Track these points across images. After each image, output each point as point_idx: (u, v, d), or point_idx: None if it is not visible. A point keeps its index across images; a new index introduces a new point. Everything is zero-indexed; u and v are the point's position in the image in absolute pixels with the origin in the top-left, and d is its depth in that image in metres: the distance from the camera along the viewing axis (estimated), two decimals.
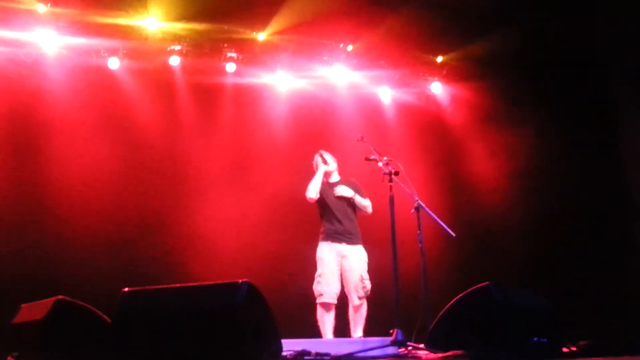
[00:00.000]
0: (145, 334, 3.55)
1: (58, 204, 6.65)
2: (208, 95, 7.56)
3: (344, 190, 5.56)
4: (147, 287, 3.80)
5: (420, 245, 5.12)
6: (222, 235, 7.09)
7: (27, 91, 6.72)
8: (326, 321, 5.29)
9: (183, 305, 3.58)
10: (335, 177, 5.74)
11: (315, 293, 5.33)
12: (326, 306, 5.32)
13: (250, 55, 7.53)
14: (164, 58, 7.26)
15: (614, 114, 7.63)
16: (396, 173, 4.94)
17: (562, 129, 7.57)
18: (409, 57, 8.03)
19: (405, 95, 8.36)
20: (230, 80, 7.60)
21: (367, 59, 7.90)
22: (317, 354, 3.98)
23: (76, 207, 6.69)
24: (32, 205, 6.62)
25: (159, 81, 7.34)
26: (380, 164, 5.07)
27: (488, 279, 3.98)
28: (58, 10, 6.62)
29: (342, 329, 5.46)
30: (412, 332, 4.94)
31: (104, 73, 7.07)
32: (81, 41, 6.84)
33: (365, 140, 5.33)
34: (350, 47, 7.78)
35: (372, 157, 5.17)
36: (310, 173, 5.73)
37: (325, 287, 5.31)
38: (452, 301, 4.02)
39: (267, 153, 7.59)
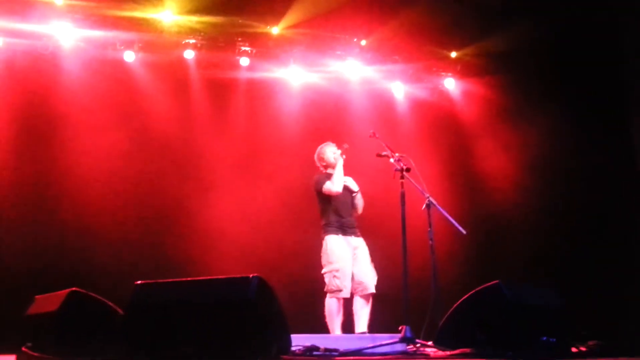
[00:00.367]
0: (157, 326, 3.60)
1: (74, 196, 6.73)
2: (221, 89, 7.60)
3: (353, 184, 5.55)
4: (160, 280, 3.85)
5: (430, 242, 5.11)
6: (235, 228, 7.14)
7: (44, 83, 6.81)
8: (337, 316, 5.26)
9: (194, 298, 3.63)
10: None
11: (333, 288, 5.18)
12: (341, 301, 5.28)
13: (264, 49, 7.54)
14: (178, 51, 7.30)
15: (625, 112, 7.57)
16: (408, 169, 4.92)
17: (574, 125, 7.52)
18: (423, 52, 7.99)
19: (418, 90, 8.33)
20: (243, 74, 7.62)
21: (381, 53, 7.88)
22: (326, 349, 4.01)
23: (92, 199, 6.77)
24: (48, 197, 6.70)
25: (174, 74, 7.39)
26: (392, 160, 5.05)
27: (498, 276, 3.99)
28: (75, 2, 6.70)
29: (346, 324, 5.45)
30: (421, 329, 4.95)
31: (119, 66, 7.14)
32: (97, 34, 6.91)
33: (377, 136, 5.29)
34: (364, 42, 7.76)
35: (384, 153, 5.14)
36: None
37: (345, 282, 5.19)
38: (461, 299, 4.03)
39: (279, 147, 7.61)
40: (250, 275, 3.55)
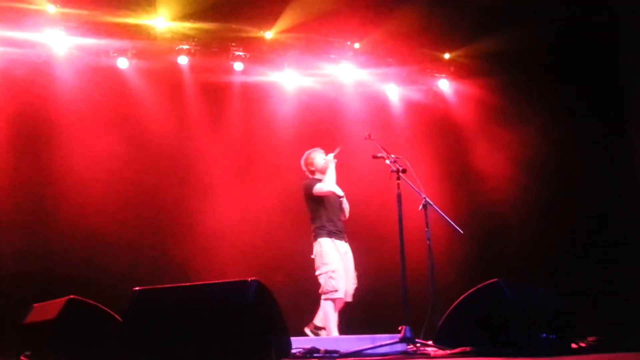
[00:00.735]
0: (155, 332, 3.59)
1: (70, 203, 6.72)
2: (216, 94, 7.60)
3: (338, 189, 5.60)
4: (158, 286, 3.84)
5: (427, 242, 5.13)
6: (233, 231, 7.15)
7: (37, 91, 6.78)
8: (334, 317, 5.29)
9: (193, 303, 3.62)
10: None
11: (330, 288, 5.23)
12: (338, 302, 5.32)
13: (258, 53, 7.55)
14: (172, 57, 7.30)
15: (625, 112, 7.61)
16: (404, 171, 4.93)
17: (574, 125, 7.56)
18: (416, 54, 8.02)
19: (412, 92, 8.35)
20: (238, 79, 7.63)
21: (375, 56, 7.90)
22: (326, 351, 4.01)
23: (88, 206, 6.76)
24: (44, 205, 6.69)
25: (168, 80, 7.39)
26: (387, 161, 5.07)
27: (496, 275, 3.99)
28: (68, 10, 6.69)
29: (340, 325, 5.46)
30: (421, 329, 4.95)
31: (113, 73, 7.13)
32: (91, 41, 6.91)
33: (372, 137, 5.31)
34: (357, 45, 7.78)
35: (380, 154, 5.16)
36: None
37: (340, 283, 5.27)
38: (460, 298, 4.03)
39: (275, 150, 7.61)
40: (249, 279, 3.55)
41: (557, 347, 3.79)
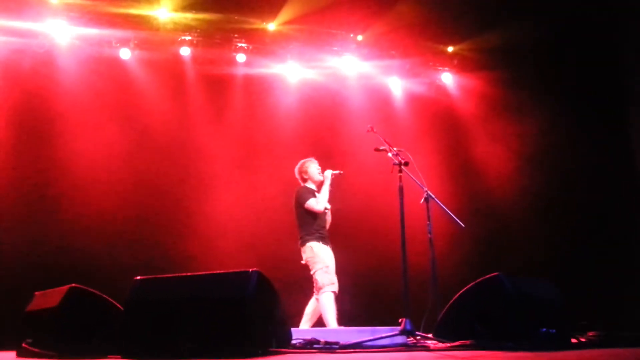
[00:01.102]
0: (156, 321, 3.60)
1: (72, 192, 6.73)
2: (218, 85, 7.59)
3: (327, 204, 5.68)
4: (159, 276, 3.85)
5: (429, 235, 5.13)
6: (234, 223, 7.15)
7: (40, 82, 6.79)
8: (333, 310, 5.33)
9: (194, 293, 3.63)
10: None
11: (326, 282, 5.35)
12: (335, 294, 5.38)
13: (261, 45, 7.54)
14: (174, 48, 7.30)
15: (624, 111, 7.60)
16: (406, 164, 4.92)
17: (574, 124, 7.55)
18: (420, 47, 8.00)
19: (415, 85, 8.34)
20: (240, 71, 7.62)
21: (378, 48, 7.89)
22: (327, 342, 4.02)
23: (90, 195, 6.77)
24: (46, 195, 6.70)
25: (170, 71, 7.38)
26: (390, 154, 5.06)
27: (496, 269, 3.99)
28: (70, 0, 6.69)
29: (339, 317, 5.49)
30: (421, 321, 4.96)
31: (115, 63, 7.13)
32: (93, 32, 6.91)
33: (375, 130, 5.31)
34: (360, 37, 7.77)
35: (382, 147, 5.15)
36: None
37: (334, 277, 5.43)
38: (461, 291, 4.04)
39: (277, 143, 7.61)
40: (250, 270, 3.56)
41: (557, 341, 3.79)
